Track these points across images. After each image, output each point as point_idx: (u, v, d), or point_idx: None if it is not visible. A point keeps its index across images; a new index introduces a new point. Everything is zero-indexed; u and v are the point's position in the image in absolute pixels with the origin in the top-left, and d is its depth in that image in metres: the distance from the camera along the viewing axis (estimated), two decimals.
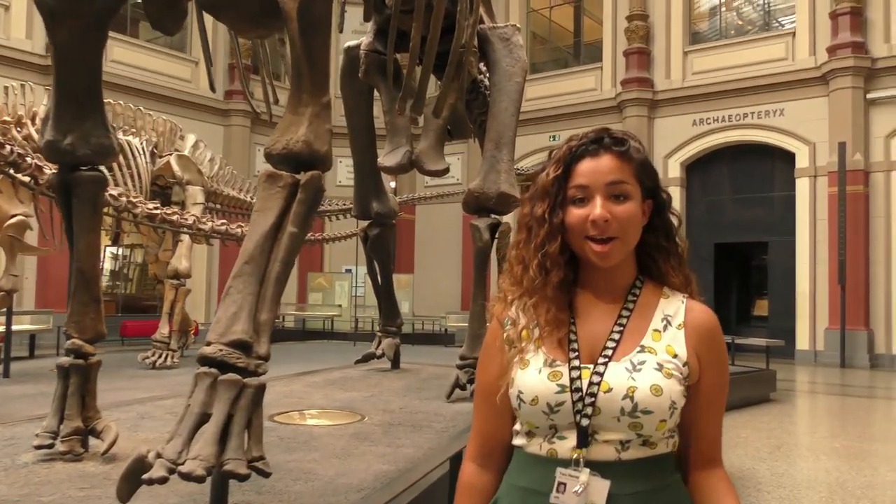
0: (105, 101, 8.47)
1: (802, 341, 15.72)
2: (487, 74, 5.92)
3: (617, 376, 1.30)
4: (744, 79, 16.63)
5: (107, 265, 19.53)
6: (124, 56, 17.22)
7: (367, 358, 7.05)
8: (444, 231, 20.71)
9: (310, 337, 16.92)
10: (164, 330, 8.83)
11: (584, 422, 1.30)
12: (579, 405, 1.30)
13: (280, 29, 3.36)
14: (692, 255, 1.51)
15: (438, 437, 4.09)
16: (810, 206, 15.80)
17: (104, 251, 18.63)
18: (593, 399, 1.30)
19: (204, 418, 2.43)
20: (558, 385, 1.32)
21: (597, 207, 1.33)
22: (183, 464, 2.30)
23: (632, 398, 1.28)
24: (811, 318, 15.63)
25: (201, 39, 3.62)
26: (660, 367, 1.31)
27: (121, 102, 8.89)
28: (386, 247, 6.86)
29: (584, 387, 1.31)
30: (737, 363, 10.45)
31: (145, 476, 2.28)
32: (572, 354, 1.35)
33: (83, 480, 2.97)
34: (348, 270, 19.76)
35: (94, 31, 3.04)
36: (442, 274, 20.75)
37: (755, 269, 19.56)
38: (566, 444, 1.32)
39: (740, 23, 18.70)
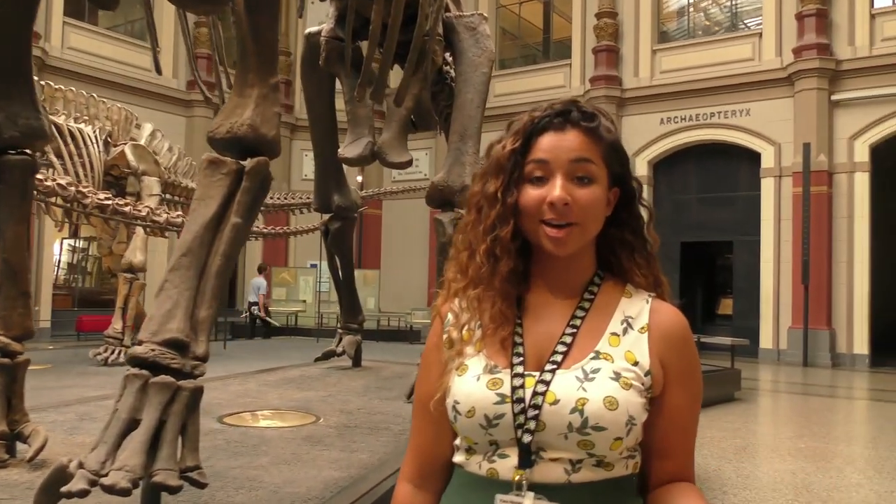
0: (56, 87, 8.13)
1: (766, 340, 15.83)
2: (453, 65, 5.76)
3: (565, 386, 1.11)
4: (711, 78, 16.69)
5: (64, 258, 19.04)
6: (83, 44, 16.75)
7: (327, 356, 6.85)
8: (412, 226, 20.52)
9: (272, 333, 16.63)
10: (116, 325, 8.53)
11: (527, 438, 1.11)
12: (521, 418, 1.11)
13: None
14: (658, 254, 1.32)
15: (396, 440, 3.91)
16: (775, 207, 15.91)
17: (61, 243, 18.14)
18: (537, 412, 1.11)
19: (133, 424, 2.23)
20: (498, 395, 1.13)
21: (556, 188, 1.14)
22: (106, 475, 2.09)
23: (581, 412, 1.09)
24: (775, 318, 15.74)
25: (147, 18, 3.39)
26: (616, 377, 1.13)
27: (72, 89, 8.55)
28: (347, 241, 6.67)
29: (527, 397, 1.12)
30: (702, 362, 10.43)
31: (64, 489, 2.08)
32: (516, 359, 1.16)
33: (5, 490, 2.73)
34: (313, 265, 19.48)
35: (21, 3, 2.79)
36: (409, 269, 20.57)
37: (720, 269, 19.69)
38: (508, 463, 1.13)
39: (708, 23, 18.78)
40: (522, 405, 1.12)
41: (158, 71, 3.79)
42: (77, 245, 19.15)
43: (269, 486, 2.79)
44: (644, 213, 1.27)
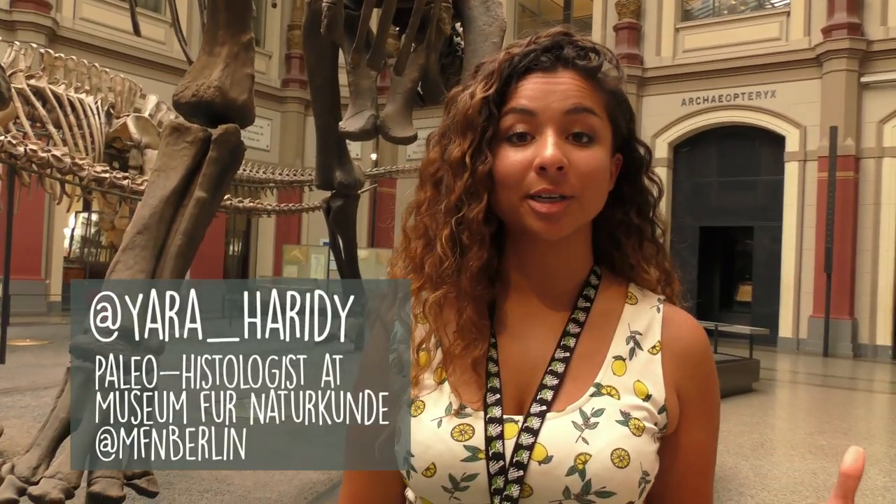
0: (56, 55, 7.88)
1: (785, 328, 15.43)
2: (463, 35, 5.44)
3: (559, 436, 0.82)
4: (735, 58, 16.16)
5: (78, 231, 19.00)
6: (95, 14, 16.52)
7: (329, 338, 6.59)
8: None
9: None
10: None
11: None
12: (499, 481, 0.81)
13: None
14: (675, 238, 1.00)
15: None
16: (798, 192, 15.43)
17: (75, 217, 18.07)
18: (521, 473, 0.80)
19: (73, 424, 1.98)
20: (467, 448, 0.83)
21: (548, 146, 0.83)
22: (37, 483, 1.85)
23: (583, 472, 0.79)
24: (795, 306, 15.33)
25: None
26: (625, 419, 0.83)
27: (73, 58, 8.30)
28: (350, 220, 6.39)
29: (508, 452, 0.82)
30: (719, 351, 10.12)
31: None
32: (491, 396, 0.85)
33: None
34: (326, 243, 19.25)
35: None
36: None
37: (740, 254, 19.28)
38: None
39: (733, 1, 18.20)
40: (501, 463, 0.82)
41: (137, 32, 3.52)
42: (91, 218, 19.08)
43: (239, 489, 2.54)
44: (653, 188, 0.95)
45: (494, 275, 0.92)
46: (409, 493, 0.92)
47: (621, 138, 0.91)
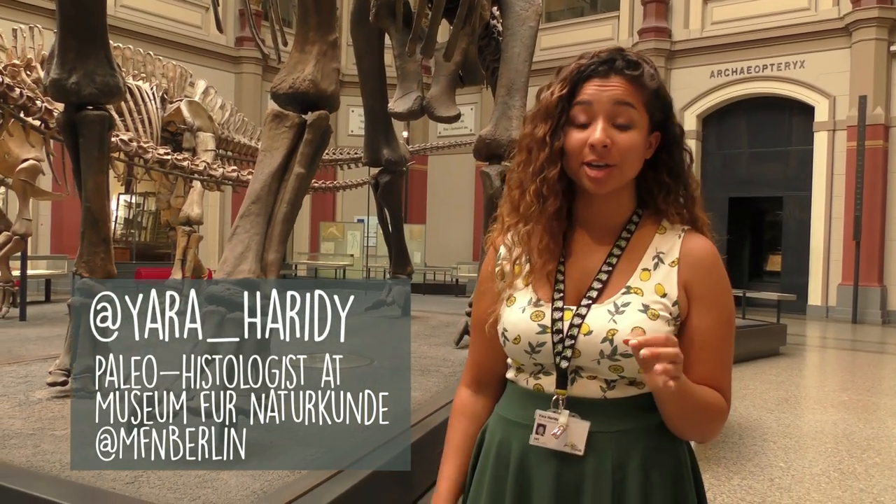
0: (114, 45, 8.38)
1: (815, 297, 15.65)
2: (501, 20, 5.81)
3: (598, 318, 1.26)
4: (764, 29, 16.23)
5: (121, 213, 19.57)
6: (134, 1, 17.02)
7: (377, 305, 7.07)
8: (457, 181, 20.61)
9: (321, 286, 16.95)
10: (176, 275, 8.90)
11: (564, 364, 1.27)
12: (559, 347, 1.27)
13: None
14: (706, 208, 1.41)
15: (446, 380, 4.13)
16: (828, 161, 15.56)
17: (118, 199, 18.68)
18: (573, 341, 1.26)
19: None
20: (540, 325, 1.29)
21: (598, 131, 1.24)
22: (192, 399, 2.34)
23: (611, 341, 1.23)
24: (824, 274, 15.53)
25: None
26: (645, 309, 1.25)
27: (130, 47, 8.80)
28: (396, 194, 6.84)
29: (565, 329, 1.27)
30: (748, 317, 10.46)
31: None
32: (557, 294, 1.32)
33: (92, 416, 3.01)
34: (361, 220, 19.76)
35: None
36: (454, 224, 20.72)
37: (769, 225, 19.42)
38: (551, 380, 1.30)
39: None
40: (561, 335, 1.28)
41: (220, 29, 3.94)
42: (133, 201, 19.65)
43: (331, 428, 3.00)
44: (685, 157, 1.36)
45: (567, 215, 1.36)
46: (509, 360, 1.40)
47: (657, 122, 1.32)
